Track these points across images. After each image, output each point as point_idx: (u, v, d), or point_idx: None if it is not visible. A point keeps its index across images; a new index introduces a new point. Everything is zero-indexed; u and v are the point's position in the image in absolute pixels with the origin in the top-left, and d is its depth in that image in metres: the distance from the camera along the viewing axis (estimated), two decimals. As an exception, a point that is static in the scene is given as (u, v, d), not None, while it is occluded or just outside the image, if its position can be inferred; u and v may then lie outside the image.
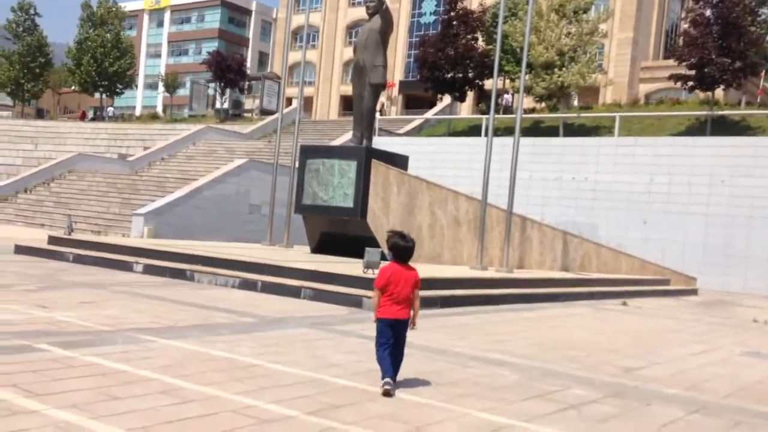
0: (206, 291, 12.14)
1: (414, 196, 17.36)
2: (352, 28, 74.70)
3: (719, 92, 33.59)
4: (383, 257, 12.17)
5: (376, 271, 12.26)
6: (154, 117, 55.14)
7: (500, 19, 17.71)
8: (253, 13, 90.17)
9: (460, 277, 13.84)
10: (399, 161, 17.83)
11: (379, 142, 35.08)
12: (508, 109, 37.85)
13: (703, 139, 26.90)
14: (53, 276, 12.51)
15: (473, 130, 35.20)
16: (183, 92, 67.80)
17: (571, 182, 29.24)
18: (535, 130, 34.11)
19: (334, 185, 16.91)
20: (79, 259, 15.03)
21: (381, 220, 16.90)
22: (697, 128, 29.81)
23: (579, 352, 8.73)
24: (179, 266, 13.79)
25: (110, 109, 58.08)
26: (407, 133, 36.26)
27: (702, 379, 7.56)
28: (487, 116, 34.41)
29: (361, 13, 74.39)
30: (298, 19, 79.42)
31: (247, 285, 12.64)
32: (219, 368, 6.21)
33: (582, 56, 30.22)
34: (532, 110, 40.51)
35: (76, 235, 17.31)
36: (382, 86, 17.49)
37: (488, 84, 37.97)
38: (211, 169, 33.61)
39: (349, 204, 16.66)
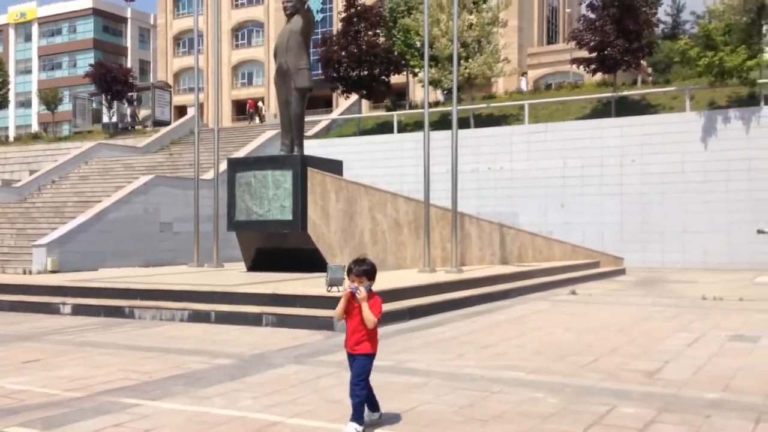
0: (156, 329, 11.01)
1: (353, 202, 16.67)
2: (238, 30, 72.86)
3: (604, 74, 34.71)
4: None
5: (341, 289, 11.55)
6: (35, 137, 51.48)
7: (426, 11, 17.24)
8: (129, 20, 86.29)
9: (421, 285, 13.29)
10: (334, 167, 17.07)
11: (288, 147, 34.18)
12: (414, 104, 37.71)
13: (611, 120, 27.58)
14: (-26, 330, 11.01)
15: (383, 128, 34.79)
16: (62, 108, 63.89)
17: (487, 173, 29.35)
18: (444, 123, 34.04)
19: (270, 198, 15.95)
20: (-6, 306, 13.42)
21: (322, 230, 16.10)
22: (601, 110, 30.58)
23: (583, 357, 8.35)
24: (114, 303, 12.52)
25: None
26: (315, 135, 35.37)
27: (725, 376, 7.32)
28: (397, 112, 34.18)
29: (245, 14, 72.85)
30: (178, 24, 76.92)
31: (199, 317, 11.60)
32: (241, 434, 5.36)
33: (486, 46, 30.32)
34: (436, 104, 40.58)
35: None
36: (309, 90, 16.64)
37: (394, 80, 37.70)
38: (110, 188, 31.57)
39: (288, 216, 15.75)
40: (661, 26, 35.48)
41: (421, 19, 31.57)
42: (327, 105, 65.49)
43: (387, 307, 11.52)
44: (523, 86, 39.92)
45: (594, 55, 28.99)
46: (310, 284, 12.09)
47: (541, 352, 8.65)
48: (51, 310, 12.85)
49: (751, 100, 26.51)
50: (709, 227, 25.16)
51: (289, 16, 16.79)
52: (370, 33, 34.51)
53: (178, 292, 12.47)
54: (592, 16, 29.17)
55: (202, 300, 12.13)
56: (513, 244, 20.17)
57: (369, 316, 5.24)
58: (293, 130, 16.64)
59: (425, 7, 17.95)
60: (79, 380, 7.28)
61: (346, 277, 11.50)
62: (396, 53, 34.42)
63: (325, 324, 10.61)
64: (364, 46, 33.82)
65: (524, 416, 5.80)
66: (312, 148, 29.25)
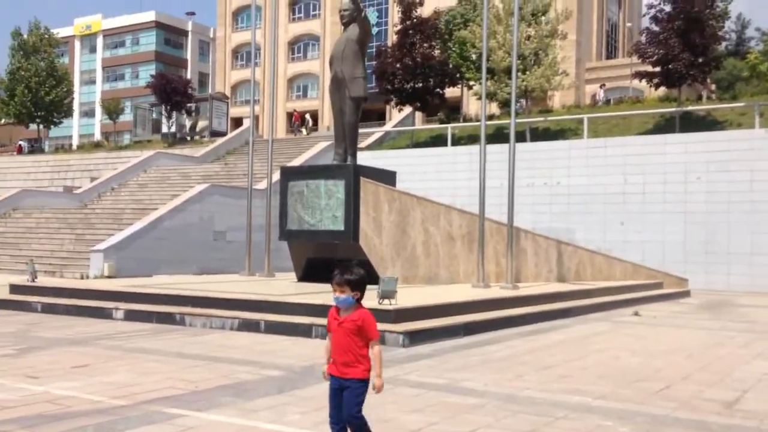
0: (205, 337, 10.84)
1: (406, 214, 16.33)
2: (294, 43, 73.64)
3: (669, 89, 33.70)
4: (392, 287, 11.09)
5: (394, 302, 11.22)
6: (96, 145, 52.79)
7: (485, 23, 16.88)
8: (190, 33, 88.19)
9: (475, 300, 12.85)
10: (386, 177, 16.78)
11: (342, 158, 34.11)
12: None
13: (675, 136, 26.64)
14: (28, 333, 11.01)
15: (436, 141, 34.44)
16: (123, 118, 65.44)
17: (543, 188, 28.67)
18: (499, 137, 33.51)
19: (322, 207, 15.74)
20: (49, 309, 13.50)
21: (374, 241, 15.80)
22: (663, 126, 29.64)
23: (653, 383, 7.81)
24: (166, 309, 12.42)
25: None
26: (368, 147, 35.21)
27: (813, 406, 6.71)
28: (451, 125, 33.79)
29: (302, 28, 73.58)
30: (237, 38, 78.18)
31: (248, 326, 11.39)
32: (289, 452, 5.04)
33: (545, 58, 29.74)
34: (491, 117, 40.06)
35: (40, 281, 15.68)
36: (363, 99, 16.41)
37: (448, 93, 37.36)
38: (167, 196, 31.96)
39: (340, 227, 15.51)
40: (725, 43, 34.28)
41: (477, 32, 31.26)
42: (380, 118, 65.44)
43: (440, 322, 11.19)
44: (601, 98, 38.84)
45: (658, 69, 28.10)
46: (364, 297, 11.74)
47: (607, 377, 8.14)
48: (104, 314, 12.82)
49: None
50: (779, 249, 24.00)
51: (346, 25, 16.63)
52: (425, 45, 34.26)
53: (228, 300, 12.30)
54: (656, 29, 28.33)
55: (252, 309, 11.93)
56: (571, 261, 19.52)
57: (376, 354, 4.51)
58: (347, 140, 16.42)
59: (484, 19, 17.57)
60: (126, 387, 7.09)
61: (397, 289, 11.23)
62: (451, 66, 34.08)
63: (377, 338, 10.25)
64: (419, 59, 33.59)
65: (593, 445, 5.35)
66: (364, 159, 29.05)
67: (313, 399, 6.76)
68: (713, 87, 47.59)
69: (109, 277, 23.17)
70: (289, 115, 71.32)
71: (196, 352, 9.44)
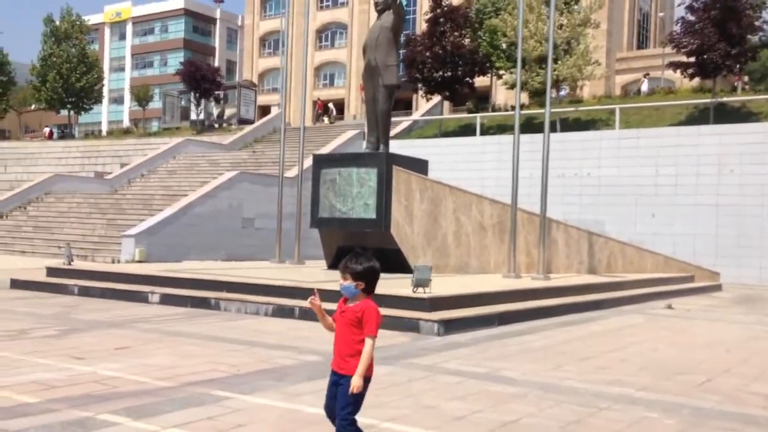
0: (241, 322, 10.93)
1: (437, 203, 16.30)
2: (322, 31, 73.54)
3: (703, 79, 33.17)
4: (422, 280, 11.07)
5: (428, 290, 11.22)
6: (126, 132, 53.29)
7: (520, 10, 16.70)
8: (218, 21, 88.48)
9: (509, 290, 12.81)
10: (419, 166, 16.76)
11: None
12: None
13: (709, 128, 26.26)
14: (67, 315, 11.18)
15: (464, 130, 34.28)
16: (152, 105, 65.98)
17: (573, 178, 28.44)
18: (528, 126, 33.26)
19: (354, 195, 15.76)
20: (85, 292, 13.69)
21: (405, 230, 15.80)
22: (697, 117, 29.21)
23: (694, 376, 7.73)
24: (201, 294, 12.54)
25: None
26: (396, 136, 35.10)
27: None
28: (480, 114, 33.60)
29: (329, 16, 73.44)
30: (264, 26, 78.27)
31: (283, 312, 11.46)
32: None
33: (577, 48, 29.41)
34: (522, 106, 39.77)
35: (76, 264, 15.90)
36: (396, 87, 16.37)
37: (477, 82, 37.11)
38: (196, 183, 32.23)
39: (372, 215, 15.52)
40: (761, 33, 33.59)
41: (509, 20, 31.01)
42: (407, 107, 65.22)
43: (474, 311, 11.17)
44: (645, 88, 38.15)
45: (692, 59, 27.66)
46: (396, 285, 11.77)
47: (647, 369, 8.07)
48: (139, 298, 12.97)
49: None
50: (814, 243, 23.60)
51: (380, 12, 16.60)
52: (455, 34, 34.03)
53: (263, 286, 12.39)
54: (692, 18, 27.85)
55: (285, 295, 12.00)
56: (602, 252, 19.37)
57: (365, 352, 4.01)
58: (379, 128, 16.42)
59: (519, 7, 17.39)
60: (168, 369, 7.18)
61: (431, 277, 11.22)
62: (481, 54, 33.83)
63: (411, 325, 10.28)
64: (448, 47, 33.38)
65: (641, 436, 5.31)
66: (393, 148, 28.96)
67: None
68: (746, 78, 46.85)
69: (140, 261, 23.45)
70: (314, 104, 71.52)
71: (233, 336, 9.52)
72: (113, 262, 23.90)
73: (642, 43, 65.41)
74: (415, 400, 6.25)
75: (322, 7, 73.25)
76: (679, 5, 28.29)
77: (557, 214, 26.23)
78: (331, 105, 58.72)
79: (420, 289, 11.01)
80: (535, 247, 17.66)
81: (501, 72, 34.68)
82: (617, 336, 10.79)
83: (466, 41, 34.44)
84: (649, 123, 29.71)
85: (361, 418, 5.60)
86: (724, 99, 28.63)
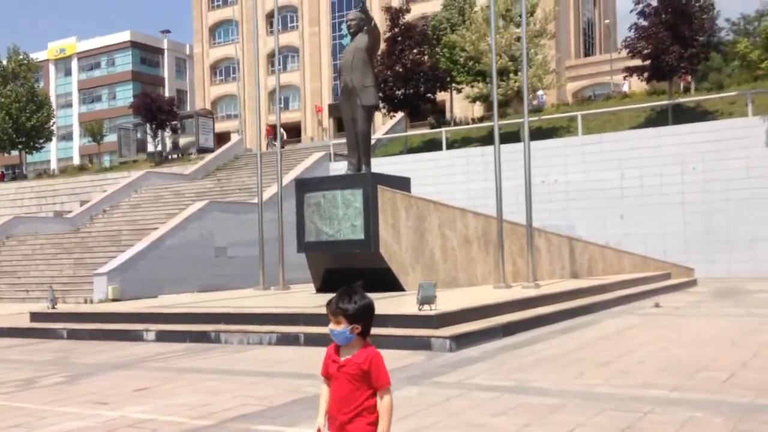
0: (247, 353, 10.77)
1: (423, 219, 16.37)
2: (274, 56, 73.39)
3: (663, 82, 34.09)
4: (429, 297, 11.08)
5: (434, 307, 11.22)
6: (80, 168, 52.26)
7: (492, 30, 16.99)
8: (166, 51, 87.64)
9: (508, 301, 12.90)
10: (402, 183, 16.84)
11: (336, 168, 34.06)
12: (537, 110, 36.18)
13: (669, 129, 26.97)
14: (66, 360, 10.87)
15: (428, 145, 34.56)
16: (106, 139, 64.82)
17: (541, 186, 28.78)
18: (491, 138, 33.70)
19: (340, 218, 15.73)
20: (75, 335, 13.33)
21: (393, 249, 15.82)
22: (655, 119, 29.98)
23: (716, 373, 7.89)
24: (199, 328, 12.33)
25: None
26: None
27: None
28: (445, 129, 33.92)
29: (280, 40, 73.46)
30: (214, 53, 77.88)
31: (288, 340, 11.34)
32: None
33: (535, 58, 29.96)
34: (481, 119, 40.26)
35: (60, 308, 15.49)
36: (375, 107, 16.47)
37: (440, 97, 37.48)
38: (162, 215, 31.78)
39: (360, 236, 15.50)
40: (709, 34, 34.56)
41: (467, 36, 31.45)
42: (364, 126, 65.61)
43: (480, 324, 11.21)
44: (626, 89, 38.31)
45: (647, 63, 28.43)
46: (395, 303, 11.77)
47: (668, 369, 8.20)
48: (133, 337, 12.69)
49: (815, 102, 25.77)
50: (779, 234, 24.33)
51: (353, 35, 16.66)
52: (414, 51, 34.38)
53: (263, 315, 12.26)
54: (645, 23, 28.65)
55: (286, 322, 11.89)
56: (582, 257, 19.67)
57: (385, 407, 3.34)
58: (360, 149, 16.46)
59: (492, 25, 17.65)
60: (199, 408, 7.03)
61: (436, 294, 11.24)
62: (441, 70, 34.20)
63: (422, 343, 10.28)
64: (408, 65, 33.69)
65: (699, 436, 5.39)
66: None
67: (397, 406, 6.71)
68: (689, 78, 48.27)
69: (114, 300, 22.92)
70: (273, 128, 71.23)
71: (248, 368, 9.38)
72: (86, 302, 23.33)
73: (588, 51, 67.02)
74: (462, 419, 6.24)
75: (271, 32, 73.27)
76: (631, 11, 29.06)
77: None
78: (282, 130, 58.25)
79: (426, 307, 11.01)
80: (520, 256, 17.86)
81: (461, 86, 35.06)
82: (621, 339, 10.94)
83: (425, 58, 34.81)
84: (609, 128, 30.36)
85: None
86: (681, 100, 29.47)
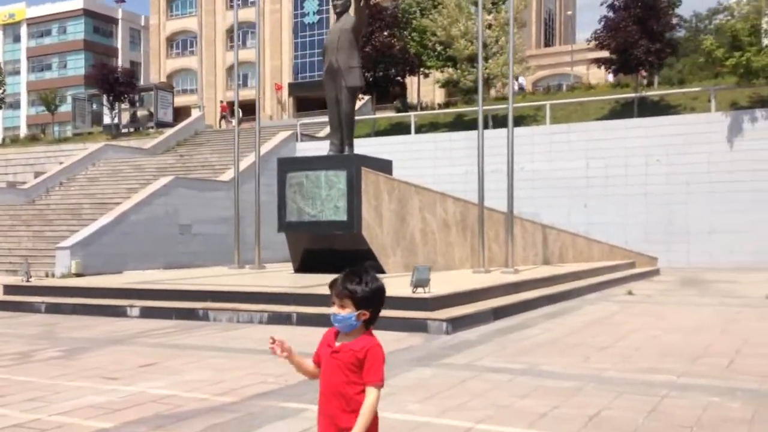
0: (240, 331, 10.70)
1: (405, 203, 16.43)
2: (233, 31, 72.21)
3: (625, 75, 34.77)
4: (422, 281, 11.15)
5: (428, 290, 11.31)
6: (33, 138, 50.65)
7: (479, 10, 17.05)
8: (120, 21, 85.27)
9: (495, 285, 13.08)
10: (384, 166, 16.84)
11: (304, 147, 33.83)
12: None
13: (635, 121, 27.55)
14: (54, 334, 10.63)
15: (396, 129, 34.57)
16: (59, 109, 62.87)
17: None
18: (459, 124, 33.95)
19: (323, 198, 15.66)
20: (54, 309, 13.03)
21: (375, 231, 15.85)
22: (619, 111, 30.58)
23: (716, 359, 8.18)
24: (186, 305, 12.18)
25: None
26: (328, 136, 34.98)
27: None
28: (414, 113, 33.97)
29: (241, 15, 72.23)
30: (171, 25, 76.16)
31: (279, 319, 11.30)
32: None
33: (506, 46, 30.11)
34: (446, 104, 40.45)
35: (39, 281, 15.09)
36: (359, 88, 16.40)
37: (409, 81, 37.47)
38: (121, 189, 31.14)
39: (342, 217, 15.47)
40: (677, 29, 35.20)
41: (439, 20, 31.46)
42: (323, 107, 65.22)
43: (472, 308, 11.35)
44: (611, 78, 38.48)
45: (615, 56, 28.94)
46: (390, 285, 11.79)
47: (668, 355, 8.46)
48: (117, 312, 12.47)
49: (773, 101, 26.64)
50: (736, 227, 25.15)
51: (339, 15, 16.52)
52: (385, 33, 34.25)
53: (251, 293, 12.17)
54: (612, 16, 29.12)
55: (277, 302, 11.83)
56: (555, 244, 20.05)
57: (367, 405, 2.85)
58: (344, 130, 16.38)
59: (479, 7, 17.68)
60: (217, 384, 6.98)
61: (430, 277, 11.32)
62: (412, 54, 34.16)
63: (417, 326, 10.35)
64: (379, 47, 33.54)
65: (732, 423, 5.59)
66: (324, 149, 28.91)
67: (412, 389, 6.81)
68: (644, 73, 49.33)
69: (77, 274, 22.40)
70: (231, 105, 70.18)
71: (248, 346, 9.33)
72: (47, 276, 22.74)
73: (549, 41, 67.81)
74: (487, 401, 6.34)
75: (231, 6, 71.94)
76: (601, 4, 29.52)
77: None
78: (237, 108, 57.30)
79: (420, 289, 11.10)
80: (495, 241, 18.11)
81: (429, 71, 35.10)
82: (609, 325, 11.23)
83: (395, 41, 34.70)
84: (576, 118, 30.86)
85: (451, 421, 5.68)
86: (647, 93, 30.10)
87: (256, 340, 9.87)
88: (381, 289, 2.98)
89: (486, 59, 29.92)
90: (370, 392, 2.87)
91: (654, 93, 30.61)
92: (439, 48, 32.71)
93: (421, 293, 11.01)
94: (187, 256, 26.43)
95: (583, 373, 7.47)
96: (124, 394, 6.56)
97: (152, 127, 45.95)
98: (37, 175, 37.25)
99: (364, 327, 3.00)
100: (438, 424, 5.58)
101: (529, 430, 5.43)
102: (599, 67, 30.41)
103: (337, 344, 2.98)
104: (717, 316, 12.04)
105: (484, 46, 30.26)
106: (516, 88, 34.82)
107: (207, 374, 7.50)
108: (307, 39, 68.41)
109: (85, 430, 5.46)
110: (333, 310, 2.95)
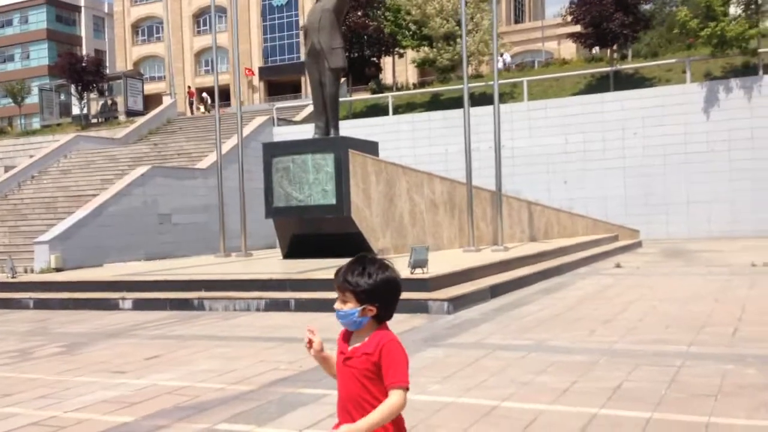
0: (240, 319, 10.60)
1: (392, 184, 16.36)
2: (199, 16, 71.26)
3: (598, 49, 34.87)
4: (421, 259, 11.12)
5: (426, 270, 11.28)
6: (1, 132, 49.54)
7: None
8: (83, 9, 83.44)
9: (488, 264, 13.11)
10: (370, 148, 16.73)
11: (281, 132, 33.52)
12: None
13: (612, 95, 27.69)
14: (48, 330, 10.43)
15: (373, 110, 34.38)
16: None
17: (488, 151, 29.09)
18: (436, 103, 33.87)
19: (310, 182, 15.53)
20: (42, 304, 12.80)
21: (364, 213, 15.77)
22: (595, 86, 30.72)
23: (719, 328, 8.27)
24: (179, 296, 12.02)
25: None
26: (303, 120, 34.77)
27: None
28: (392, 94, 33.80)
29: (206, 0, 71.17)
30: (136, 12, 74.89)
31: (278, 306, 11.20)
32: (494, 420, 5.10)
33: (482, 23, 30.10)
34: (421, 84, 40.31)
35: (25, 277, 14.80)
36: (343, 69, 16.23)
37: (383, 61, 37.21)
38: (96, 181, 30.61)
39: (331, 200, 15.36)
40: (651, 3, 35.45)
41: (413, -1, 31.24)
42: (295, 90, 64.62)
43: (470, 287, 11.36)
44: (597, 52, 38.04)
45: (590, 30, 29.01)
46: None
47: (671, 326, 8.54)
48: (108, 306, 12.28)
49: (746, 70, 26.91)
50: (713, 197, 25.50)
51: (320, -5, 16.31)
52: (359, 13, 33.93)
53: (247, 281, 12.04)
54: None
55: (274, 288, 11.73)
56: (540, 221, 20.15)
57: (386, 403, 2.47)
58: (328, 112, 16.23)
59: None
60: (229, 374, 6.90)
61: (428, 257, 11.29)
62: (387, 34, 33.91)
63: (419, 307, 10.33)
64: (352, 27, 33.23)
65: (753, 388, 5.65)
66: (301, 133, 28.80)
67: (429, 369, 6.80)
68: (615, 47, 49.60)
69: (57, 269, 22.03)
70: (199, 91, 69.25)
71: (252, 334, 9.25)
72: (26, 271, 22.31)
73: (519, 18, 67.84)
74: (507, 378, 6.33)
75: (198, -11, 70.85)
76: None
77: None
78: (205, 94, 56.65)
79: (418, 270, 11.07)
80: (482, 220, 18.14)
81: (404, 51, 34.89)
82: (606, 298, 11.30)
83: (368, 21, 34.40)
84: (552, 94, 30.95)
85: (476, 400, 5.67)
86: (621, 66, 30.25)
87: (258, 328, 9.80)
88: (388, 281, 2.56)
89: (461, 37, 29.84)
90: (395, 395, 2.46)
91: (629, 66, 30.79)
92: (413, 27, 32.51)
93: (419, 274, 10.98)
94: (168, 246, 26.14)
95: (592, 347, 7.51)
96: (136, 388, 6.45)
97: (122, 117, 45.19)
98: (7, 169, 36.53)
99: (376, 322, 2.59)
100: (463, 404, 5.56)
101: (554, 405, 5.43)
102: (574, 41, 30.44)
103: (350, 348, 2.60)
104: (709, 286, 12.19)
105: (459, 24, 30.22)
106: (500, 65, 34.73)
107: (216, 364, 7.41)
108: (276, 21, 67.71)
109: (106, 425, 5.35)
110: (335, 305, 2.60)
